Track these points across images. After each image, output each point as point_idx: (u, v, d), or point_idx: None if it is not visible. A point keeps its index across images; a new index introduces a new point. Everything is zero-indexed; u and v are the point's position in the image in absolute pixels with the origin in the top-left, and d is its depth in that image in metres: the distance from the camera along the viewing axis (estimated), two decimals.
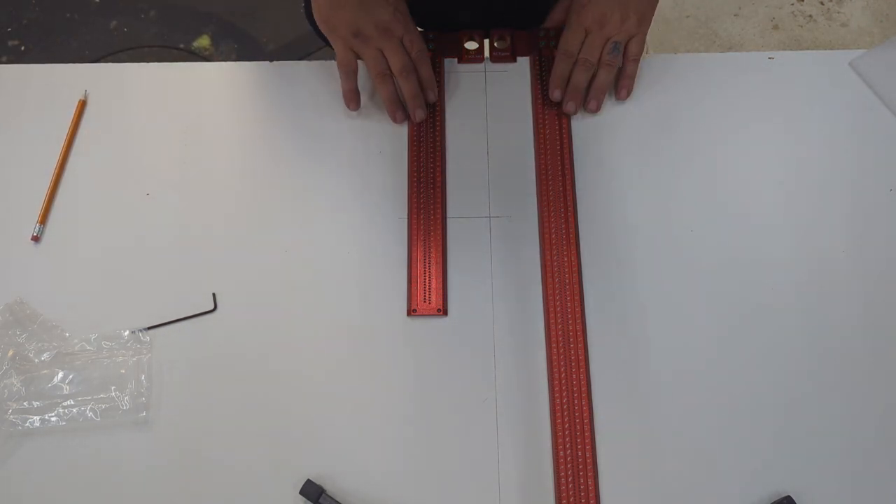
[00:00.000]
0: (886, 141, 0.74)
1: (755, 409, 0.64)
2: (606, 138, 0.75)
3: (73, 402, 0.64)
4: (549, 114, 0.75)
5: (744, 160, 0.74)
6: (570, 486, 0.61)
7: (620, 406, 0.64)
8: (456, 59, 0.79)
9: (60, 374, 0.65)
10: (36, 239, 0.71)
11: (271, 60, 0.79)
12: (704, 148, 0.74)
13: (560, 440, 0.62)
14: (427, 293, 0.68)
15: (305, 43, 1.62)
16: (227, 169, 0.74)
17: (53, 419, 0.64)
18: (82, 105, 0.76)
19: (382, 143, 0.75)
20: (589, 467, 0.61)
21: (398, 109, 0.74)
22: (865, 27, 1.64)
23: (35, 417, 0.64)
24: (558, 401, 0.64)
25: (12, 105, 0.77)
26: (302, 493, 0.61)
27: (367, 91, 0.77)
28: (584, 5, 0.73)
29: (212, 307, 0.68)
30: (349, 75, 0.73)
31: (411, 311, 0.68)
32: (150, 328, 0.67)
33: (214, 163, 0.74)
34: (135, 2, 1.66)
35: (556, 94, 0.74)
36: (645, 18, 0.73)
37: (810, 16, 1.65)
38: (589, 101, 0.75)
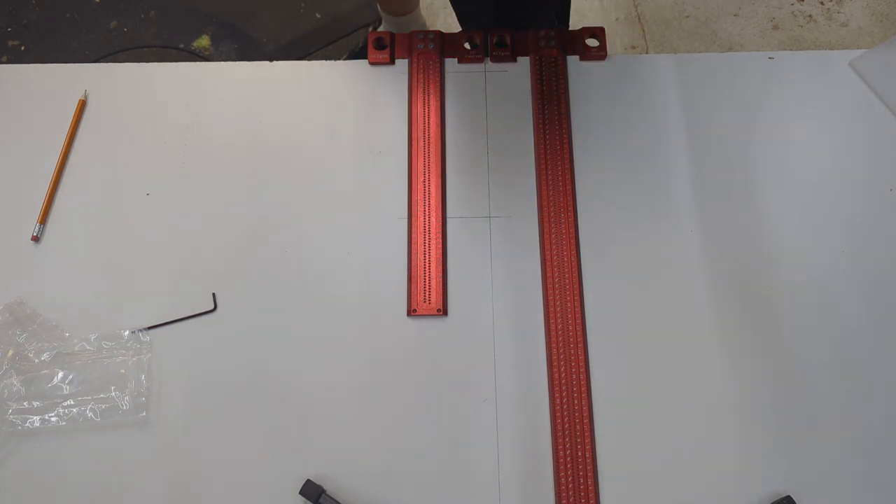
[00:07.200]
0: (886, 141, 0.74)
1: (755, 409, 0.64)
2: (606, 138, 0.75)
3: (73, 402, 0.64)
4: (549, 114, 0.75)
5: (743, 160, 0.74)
6: (570, 486, 0.61)
7: (620, 406, 0.64)
8: (456, 59, 0.79)
9: (60, 374, 0.65)
10: (36, 239, 0.71)
11: (271, 60, 0.79)
12: (704, 147, 0.74)
13: (560, 440, 0.62)
14: (427, 293, 0.68)
15: (305, 43, 1.62)
16: (227, 169, 0.74)
17: (53, 419, 0.64)
18: (82, 105, 0.76)
19: (382, 143, 0.75)
20: (589, 467, 0.61)
21: None
22: (865, 27, 1.64)
23: (35, 417, 0.64)
24: (558, 401, 0.64)
25: (12, 105, 0.77)
26: (302, 493, 0.61)
27: (367, 90, 0.77)
28: None
29: (212, 307, 0.68)
30: None
31: (411, 311, 0.68)
32: (150, 328, 0.67)
33: (214, 163, 0.74)
34: (135, 2, 1.65)
35: None
36: None
37: (810, 16, 1.65)
38: None
